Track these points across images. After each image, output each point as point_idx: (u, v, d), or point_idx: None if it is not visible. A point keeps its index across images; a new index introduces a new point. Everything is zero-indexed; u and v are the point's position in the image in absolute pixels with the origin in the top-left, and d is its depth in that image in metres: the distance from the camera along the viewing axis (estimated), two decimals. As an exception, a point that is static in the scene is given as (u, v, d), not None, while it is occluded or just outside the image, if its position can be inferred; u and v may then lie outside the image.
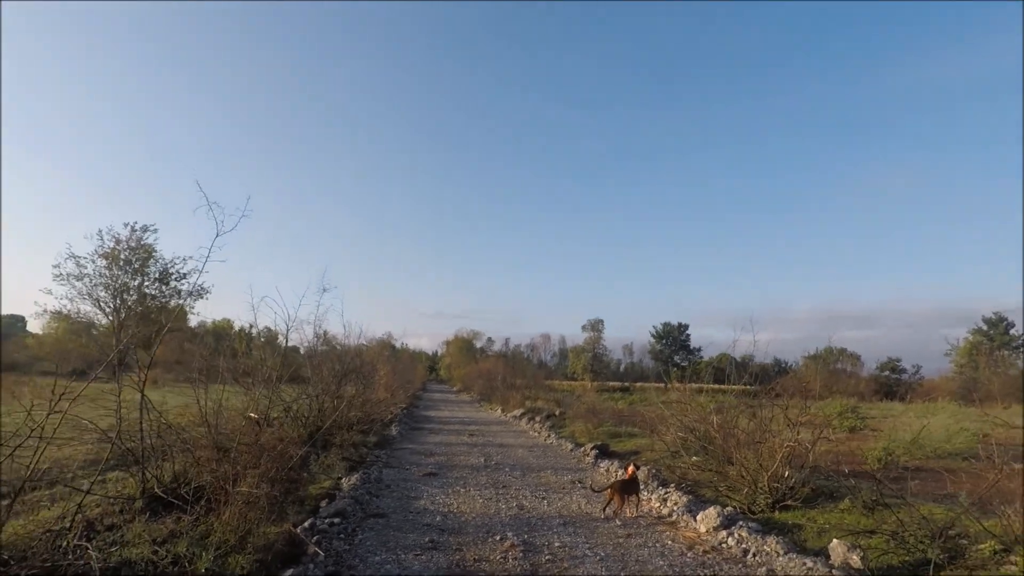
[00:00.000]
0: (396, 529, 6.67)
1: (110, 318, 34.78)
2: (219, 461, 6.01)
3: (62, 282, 33.10)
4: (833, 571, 4.97)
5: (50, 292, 35.39)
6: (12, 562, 4.45)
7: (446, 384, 62.95)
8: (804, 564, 5.22)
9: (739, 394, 12.51)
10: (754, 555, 5.78)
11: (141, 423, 6.43)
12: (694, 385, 14.14)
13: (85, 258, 33.25)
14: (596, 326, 76.94)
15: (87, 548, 4.44)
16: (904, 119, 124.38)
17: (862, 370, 58.10)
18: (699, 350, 73.18)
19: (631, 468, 7.87)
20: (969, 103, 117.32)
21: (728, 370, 13.76)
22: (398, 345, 51.13)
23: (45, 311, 34.43)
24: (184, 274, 36.77)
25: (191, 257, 36.05)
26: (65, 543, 4.69)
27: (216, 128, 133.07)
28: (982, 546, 5.35)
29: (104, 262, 33.72)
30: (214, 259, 6.78)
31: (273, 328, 10.66)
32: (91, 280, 33.67)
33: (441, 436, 16.54)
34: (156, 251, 35.56)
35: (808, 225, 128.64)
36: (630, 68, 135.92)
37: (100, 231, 33.67)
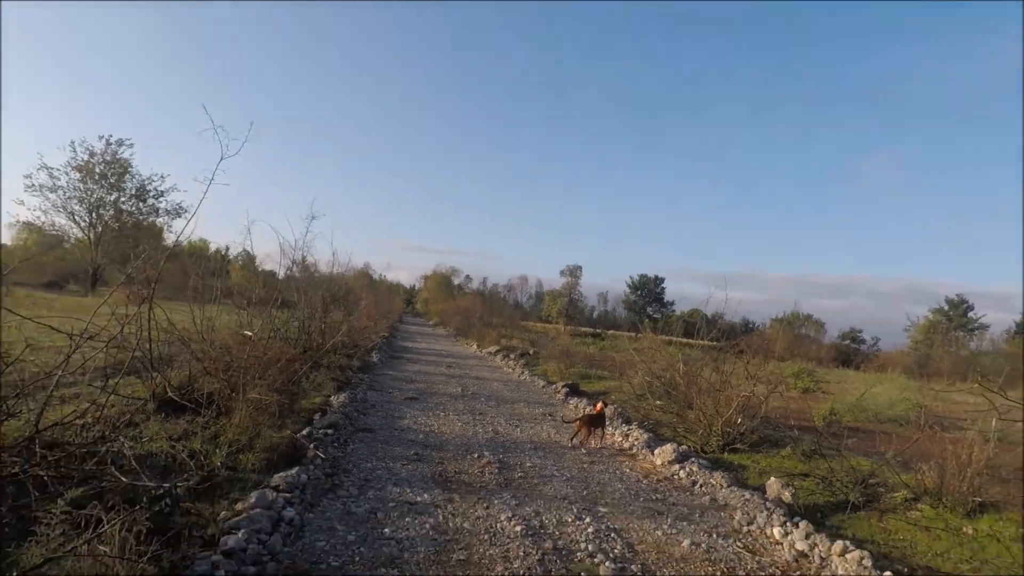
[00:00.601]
0: (383, 443, 7.35)
1: (85, 233, 34.30)
2: (227, 370, 6.51)
3: (34, 193, 32.33)
4: (767, 503, 5.79)
5: (22, 203, 34.57)
6: (41, 448, 4.96)
7: (422, 318, 63.84)
8: (743, 496, 6.03)
9: (707, 348, 13.32)
10: (701, 486, 6.60)
11: (149, 333, 6.85)
12: (664, 337, 14.96)
13: (58, 169, 32.40)
14: (574, 272, 77.98)
15: (118, 438, 4.96)
16: (898, 102, 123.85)
17: (824, 337, 60.44)
18: (672, 304, 75.01)
19: (599, 405, 8.65)
20: (967, 95, 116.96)
21: (699, 325, 14.58)
22: (376, 276, 51.34)
23: (17, 221, 33.76)
24: (162, 191, 36.10)
25: (169, 175, 35.43)
26: (94, 434, 5.20)
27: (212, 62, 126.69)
28: (896, 494, 6.23)
29: (78, 175, 32.90)
30: (218, 182, 7.04)
31: (252, 252, 10.90)
32: (65, 192, 32.94)
33: (420, 366, 17.28)
34: (132, 166, 34.69)
35: (795, 196, 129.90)
36: (645, 20, 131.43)
37: (73, 142, 32.69)
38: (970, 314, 57.38)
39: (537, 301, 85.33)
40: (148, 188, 35.62)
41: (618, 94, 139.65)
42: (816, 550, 4.81)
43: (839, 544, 4.72)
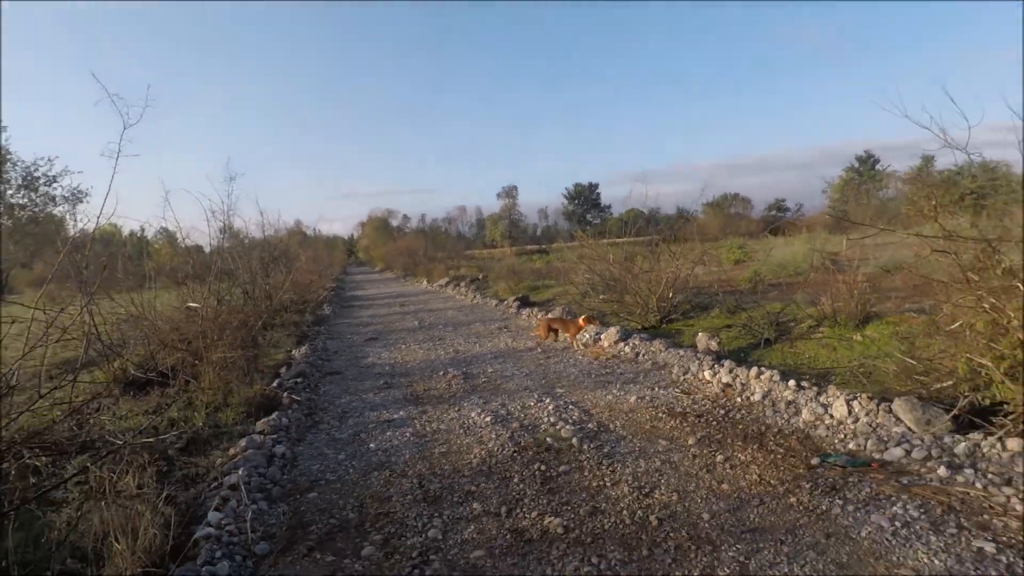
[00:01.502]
0: (353, 380, 7.80)
1: (-28, 234, 31.30)
2: (183, 340, 6.71)
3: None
4: (697, 355, 6.64)
5: None
6: (20, 442, 5.16)
7: (367, 266, 63.08)
8: (678, 354, 6.87)
9: (648, 243, 14.14)
10: (643, 355, 7.43)
11: (92, 320, 6.90)
12: (606, 241, 15.67)
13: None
14: (510, 193, 77.90)
15: (98, 421, 5.21)
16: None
17: (752, 212, 63.49)
18: (609, 207, 76.51)
19: (583, 318, 8.81)
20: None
21: (637, 222, 15.33)
22: (310, 232, 49.90)
23: None
24: (54, 177, 33.00)
25: (57, 157, 32.17)
26: (70, 424, 5.42)
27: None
28: (802, 324, 7.21)
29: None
30: (127, 154, 6.89)
31: (173, 226, 10.56)
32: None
33: (373, 310, 17.56)
34: (11, 152, 31.38)
35: (710, 83, 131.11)
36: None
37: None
38: (877, 167, 61.33)
39: (479, 229, 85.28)
40: (36, 175, 32.33)
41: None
42: (738, 380, 5.68)
43: (755, 370, 5.59)
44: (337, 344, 11.07)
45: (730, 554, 2.90)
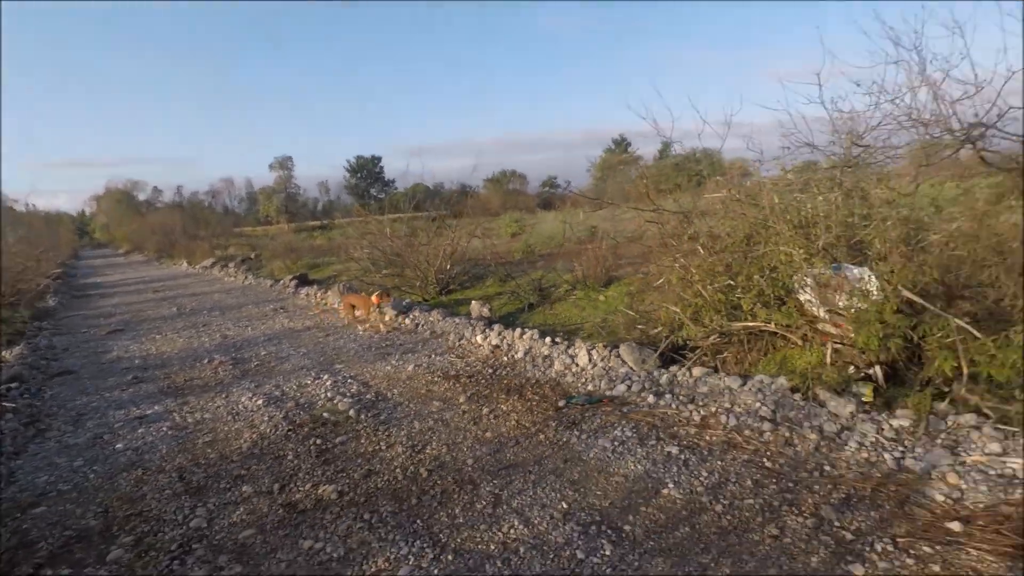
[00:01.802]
0: (92, 378, 6.73)
1: None
2: None
3: None
4: (471, 321, 7.15)
5: None
6: None
7: (108, 247, 53.21)
8: (455, 322, 7.31)
9: (431, 217, 14.40)
10: (422, 325, 7.73)
11: None
12: (387, 216, 15.55)
13: None
14: (285, 164, 71.92)
15: None
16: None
17: (529, 188, 68.51)
18: (394, 182, 75.55)
19: (377, 296, 8.51)
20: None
21: (416, 197, 15.52)
22: (20, 207, 40.28)
23: None
24: None
25: None
26: None
27: None
28: (560, 289, 8.21)
29: None
30: None
31: None
32: None
33: (118, 298, 15.06)
34: None
35: (493, 60, 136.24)
36: None
37: None
38: (629, 149, 71.01)
39: (251, 204, 77.53)
40: None
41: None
42: (505, 341, 6.29)
43: (519, 331, 6.26)
44: (68, 340, 9.34)
45: (488, 488, 3.32)
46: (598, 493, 3.18)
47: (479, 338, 6.60)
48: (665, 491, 3.13)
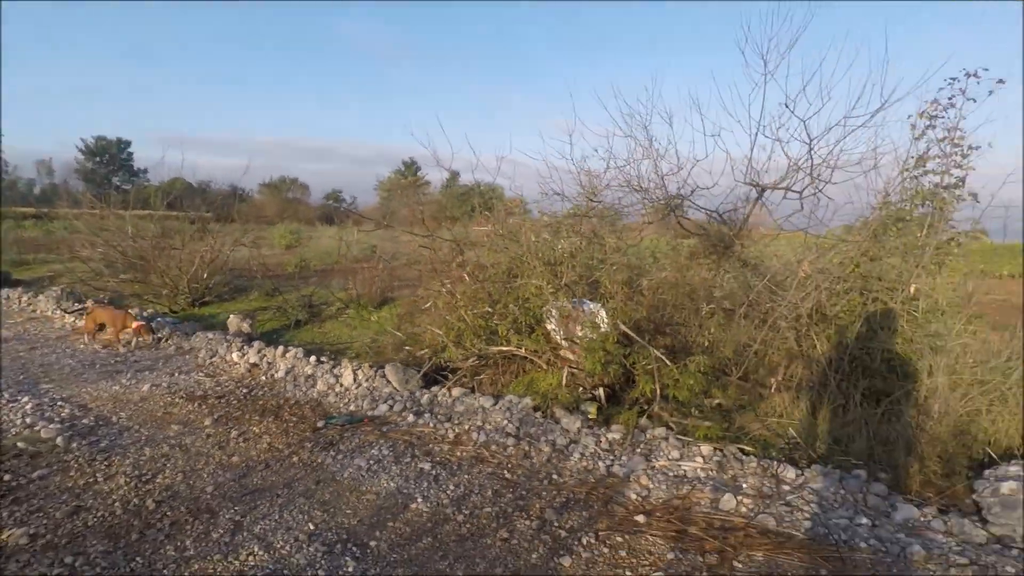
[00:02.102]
0: None
1: None
2: None
3: None
4: (227, 337, 6.54)
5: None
6: None
7: None
8: (207, 337, 6.60)
9: (192, 219, 12.66)
10: (167, 340, 6.82)
11: None
12: (138, 212, 13.31)
13: None
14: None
15: None
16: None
17: (311, 198, 64.99)
18: (145, 172, 65.13)
19: (137, 323, 6.93)
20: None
21: (180, 195, 13.59)
22: None
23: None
24: None
25: None
26: None
27: None
28: (332, 307, 7.99)
29: None
30: None
31: None
32: None
33: None
34: None
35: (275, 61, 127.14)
36: None
37: None
38: (419, 174, 72.20)
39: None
40: None
41: None
42: (265, 359, 5.90)
43: (280, 349, 5.92)
44: None
45: (227, 516, 3.08)
46: (348, 512, 3.18)
47: (235, 355, 6.07)
48: (414, 505, 3.26)
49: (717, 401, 4.44)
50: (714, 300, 4.22)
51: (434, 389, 5.01)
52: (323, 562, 2.71)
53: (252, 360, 5.91)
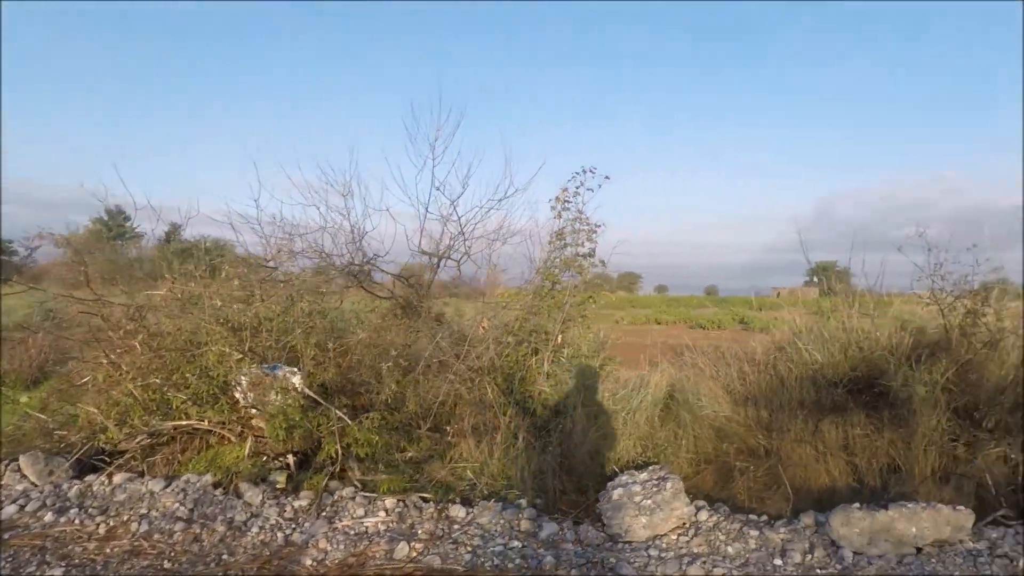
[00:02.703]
0: None
1: None
2: None
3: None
4: None
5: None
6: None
7: None
8: None
9: None
10: None
11: None
12: None
13: None
14: None
15: None
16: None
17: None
18: None
19: None
20: None
21: None
22: None
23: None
24: None
25: None
26: None
27: None
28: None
29: None
30: None
31: None
32: None
33: None
34: None
35: None
36: None
37: None
38: (127, 223, 61.66)
39: None
40: None
41: None
42: None
43: None
44: None
45: None
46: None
47: None
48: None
49: (409, 454, 4.70)
50: (391, 358, 4.52)
51: (89, 478, 4.28)
52: None
53: None
